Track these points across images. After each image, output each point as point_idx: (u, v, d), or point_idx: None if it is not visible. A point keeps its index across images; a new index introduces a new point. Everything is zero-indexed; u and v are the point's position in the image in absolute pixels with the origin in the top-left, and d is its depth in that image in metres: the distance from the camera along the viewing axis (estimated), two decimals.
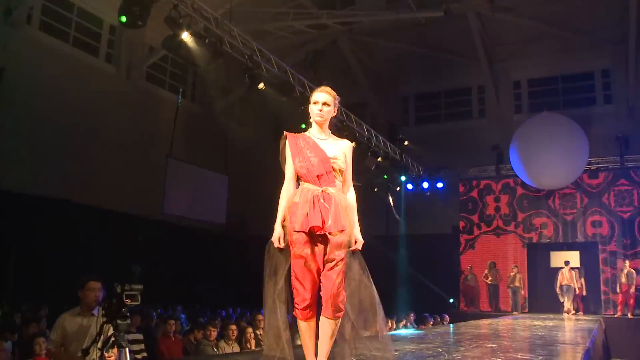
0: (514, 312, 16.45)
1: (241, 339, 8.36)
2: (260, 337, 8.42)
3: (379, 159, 14.88)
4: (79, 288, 5.08)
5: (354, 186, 3.75)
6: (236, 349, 8.03)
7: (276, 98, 11.94)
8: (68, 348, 5.02)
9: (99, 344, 4.53)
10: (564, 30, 18.06)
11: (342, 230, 3.41)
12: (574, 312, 15.46)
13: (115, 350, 4.44)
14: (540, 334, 8.39)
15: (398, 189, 18.09)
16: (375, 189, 18.14)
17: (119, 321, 4.47)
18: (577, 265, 16.73)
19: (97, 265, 6.72)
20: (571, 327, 10.75)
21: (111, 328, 4.49)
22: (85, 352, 4.72)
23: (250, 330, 8.57)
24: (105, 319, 4.56)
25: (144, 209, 14.60)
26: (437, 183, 18.45)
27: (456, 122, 20.91)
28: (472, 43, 18.37)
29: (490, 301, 17.26)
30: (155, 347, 8.14)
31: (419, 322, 13.93)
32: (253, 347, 8.28)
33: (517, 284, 16.77)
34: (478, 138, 19.28)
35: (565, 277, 15.58)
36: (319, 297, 3.40)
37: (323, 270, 3.38)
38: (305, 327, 3.43)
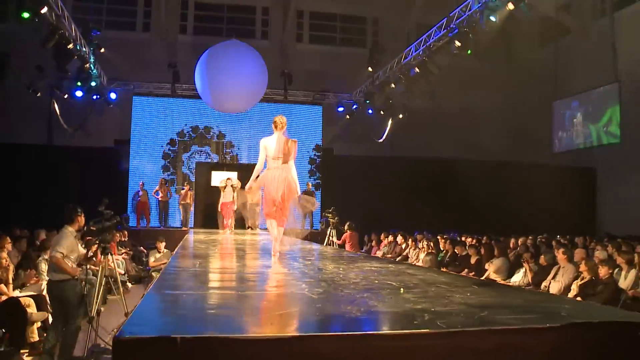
0: (184, 228, 16.88)
1: None
2: None
3: (87, 65, 13.13)
4: (78, 215, 6.52)
5: None
6: None
7: None
8: (69, 258, 6.36)
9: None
10: None
11: None
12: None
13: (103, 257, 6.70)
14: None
15: (66, 96, 16.11)
16: (39, 94, 15.85)
17: (107, 236, 6.69)
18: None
19: None
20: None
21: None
22: (80, 264, 6.55)
23: None
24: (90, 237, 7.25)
25: None
26: (109, 94, 17.13)
27: (120, 32, 19.55)
28: None
29: (160, 217, 17.26)
30: None
31: None
32: None
33: (188, 201, 17.20)
34: (147, 53, 18.67)
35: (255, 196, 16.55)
36: None
37: None
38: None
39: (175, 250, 8.27)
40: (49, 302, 6.97)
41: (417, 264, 12.14)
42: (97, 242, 6.61)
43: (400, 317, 3.02)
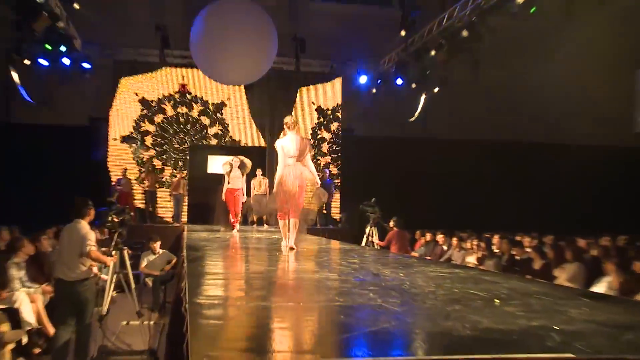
0: (175, 223, 16.74)
1: None
2: None
3: (61, 24, 12.93)
4: (90, 208, 7.35)
5: None
6: None
7: None
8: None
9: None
10: None
11: None
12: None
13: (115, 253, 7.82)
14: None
15: (29, 62, 15.73)
16: None
17: (123, 231, 8.03)
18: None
19: None
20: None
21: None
22: (109, 254, 7.79)
23: None
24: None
25: None
26: (82, 63, 16.81)
27: None
28: None
29: (147, 210, 17.15)
30: None
31: None
32: None
33: (181, 191, 17.05)
34: (130, 12, 18.42)
35: (261, 185, 16.12)
36: None
37: None
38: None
39: (184, 251, 8.21)
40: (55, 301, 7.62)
41: None
42: (119, 234, 7.61)
43: (523, 337, 2.87)
